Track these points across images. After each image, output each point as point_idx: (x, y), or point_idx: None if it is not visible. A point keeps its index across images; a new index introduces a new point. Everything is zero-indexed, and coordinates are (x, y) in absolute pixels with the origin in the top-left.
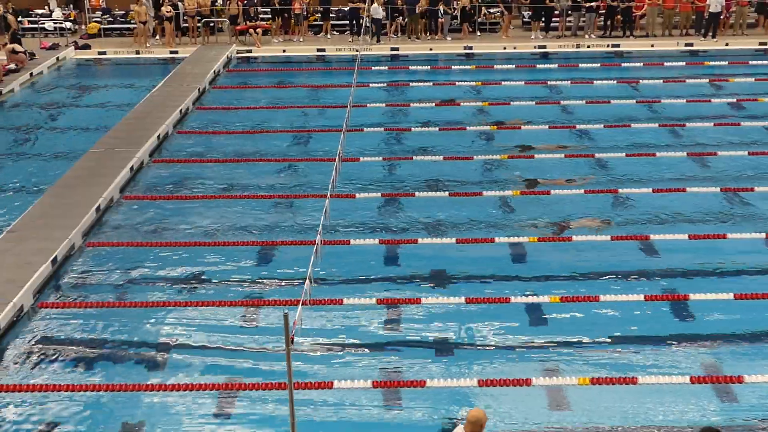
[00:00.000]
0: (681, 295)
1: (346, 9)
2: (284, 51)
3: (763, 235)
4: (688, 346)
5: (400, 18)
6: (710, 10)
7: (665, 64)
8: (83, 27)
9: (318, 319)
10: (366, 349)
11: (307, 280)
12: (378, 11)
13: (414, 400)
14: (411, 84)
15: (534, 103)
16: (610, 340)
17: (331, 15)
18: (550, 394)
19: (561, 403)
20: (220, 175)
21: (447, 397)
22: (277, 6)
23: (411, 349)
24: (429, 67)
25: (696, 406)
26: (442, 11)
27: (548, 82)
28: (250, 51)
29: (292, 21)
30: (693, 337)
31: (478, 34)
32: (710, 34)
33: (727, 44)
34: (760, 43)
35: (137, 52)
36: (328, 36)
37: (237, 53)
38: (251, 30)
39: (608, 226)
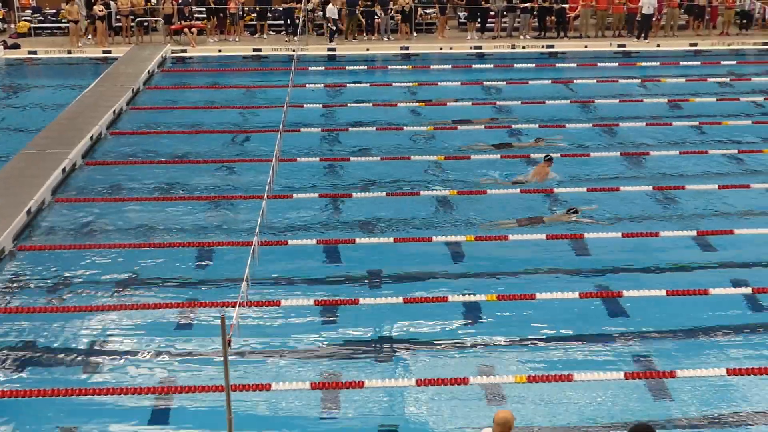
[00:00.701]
0: (614, 292)
1: (281, 8)
2: (220, 51)
3: (695, 232)
4: (622, 342)
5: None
6: (643, 12)
7: (598, 64)
8: (12, 26)
9: (255, 321)
10: (304, 351)
11: (245, 282)
12: (334, 11)
13: (352, 400)
14: (348, 84)
15: (470, 103)
16: (546, 338)
17: (267, 15)
18: (487, 392)
19: (498, 401)
20: (155, 177)
21: (385, 397)
22: (213, 5)
23: (349, 349)
24: (366, 67)
25: (630, 401)
26: (380, 12)
27: (484, 83)
28: (185, 51)
29: (228, 20)
30: (627, 333)
31: (415, 34)
32: (642, 35)
33: (658, 45)
34: (690, 44)
35: (69, 52)
36: (265, 36)
37: (172, 53)
38: (186, 29)
39: (582, 220)
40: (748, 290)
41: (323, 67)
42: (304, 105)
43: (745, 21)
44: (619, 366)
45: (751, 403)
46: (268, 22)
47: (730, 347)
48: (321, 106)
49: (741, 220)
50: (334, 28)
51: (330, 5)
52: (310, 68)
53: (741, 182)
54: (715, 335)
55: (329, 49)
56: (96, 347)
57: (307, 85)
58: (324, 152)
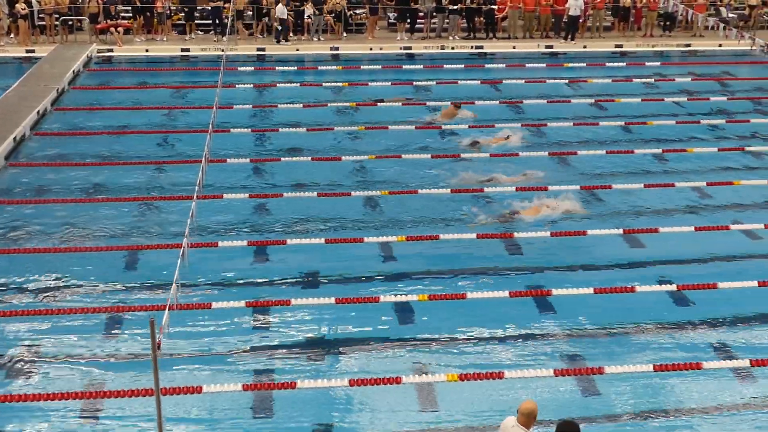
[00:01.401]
0: (544, 291)
1: (209, 8)
2: (147, 51)
3: (621, 230)
4: (551, 340)
5: (267, 18)
6: (569, 14)
7: (527, 65)
8: None
9: (186, 324)
10: (235, 353)
11: (174, 284)
12: (283, 11)
13: (285, 402)
14: (278, 85)
15: (401, 103)
16: (477, 337)
17: (195, 14)
18: (420, 392)
19: (431, 400)
20: (81, 178)
21: (318, 398)
22: (139, 4)
23: (281, 351)
24: (296, 67)
25: (560, 398)
26: (312, 12)
27: (414, 83)
28: (111, 50)
29: (155, 20)
30: (556, 331)
31: (344, 35)
32: (570, 36)
33: (585, 46)
34: (616, 46)
35: None
36: (193, 36)
37: (97, 53)
38: (112, 29)
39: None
40: (673, 287)
41: (252, 68)
42: (234, 105)
43: (668, 23)
44: (548, 363)
45: (677, 398)
46: (196, 21)
47: (656, 343)
48: (251, 106)
49: (666, 218)
50: (279, 27)
51: (279, 5)
52: (239, 68)
53: (666, 181)
54: (642, 332)
55: (258, 50)
56: (21, 353)
57: (237, 86)
58: (254, 153)
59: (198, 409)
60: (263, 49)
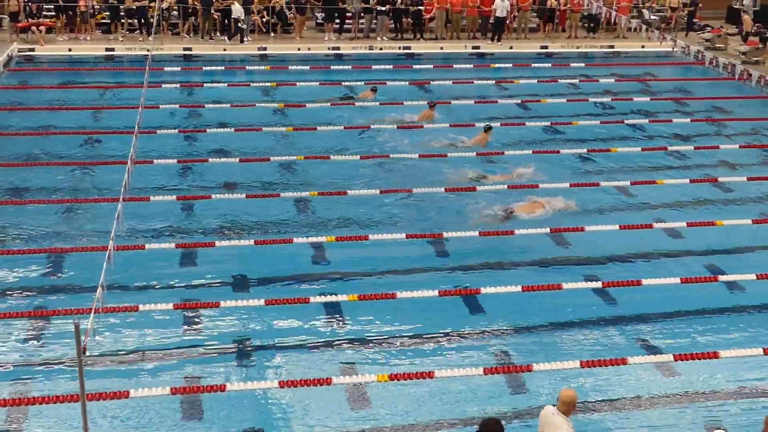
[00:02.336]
0: (473, 290)
1: (134, 7)
2: (70, 50)
3: (548, 229)
4: (480, 338)
5: (193, 18)
6: (496, 15)
7: (454, 66)
8: None
9: (112, 328)
10: (164, 356)
11: (100, 288)
12: (240, 11)
13: (215, 405)
14: (205, 85)
15: (329, 104)
16: (407, 336)
17: (120, 13)
18: (350, 392)
19: (361, 400)
20: (4, 180)
21: (248, 400)
22: (61, 3)
23: (211, 353)
24: (223, 68)
25: (489, 396)
26: (242, 12)
27: (342, 84)
28: (32, 50)
29: (78, 19)
30: (485, 329)
31: (272, 35)
32: (496, 37)
33: (511, 47)
34: (542, 47)
35: None
36: (118, 35)
37: (19, 52)
38: (34, 28)
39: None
40: (598, 284)
41: (179, 68)
42: (160, 106)
43: (592, 24)
44: (478, 361)
45: (603, 394)
46: (122, 21)
47: (583, 340)
48: (177, 106)
49: (591, 217)
50: (244, 26)
51: (236, 5)
52: (165, 68)
53: (591, 180)
54: (569, 329)
55: (185, 49)
56: None
57: (163, 86)
58: (181, 154)
59: (125, 415)
60: (190, 49)
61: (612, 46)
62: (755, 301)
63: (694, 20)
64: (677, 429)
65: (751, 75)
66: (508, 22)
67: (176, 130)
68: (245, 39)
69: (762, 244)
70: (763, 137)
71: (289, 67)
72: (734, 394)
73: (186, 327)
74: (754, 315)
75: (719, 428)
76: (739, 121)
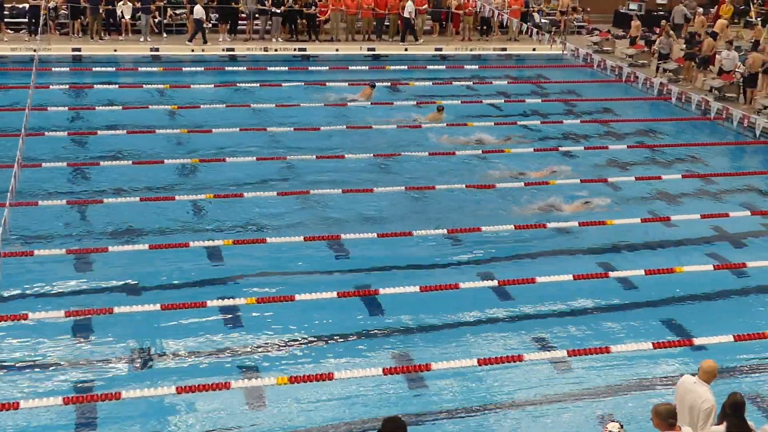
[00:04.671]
0: (371, 290)
1: (20, 6)
2: None
3: (445, 230)
4: (379, 338)
5: (82, 17)
6: (405, 16)
7: (350, 67)
8: None
9: (1, 337)
10: (55, 365)
11: None
12: (201, 12)
13: (110, 413)
14: (96, 86)
15: (224, 106)
16: (305, 338)
17: (5, 13)
18: (249, 396)
19: (260, 404)
20: None
21: (144, 407)
22: None
23: (105, 360)
24: (114, 69)
25: (389, 396)
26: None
27: (237, 85)
28: None
29: None
30: (384, 329)
31: (165, 36)
32: (409, 38)
33: (406, 49)
34: (436, 49)
35: None
36: (3, 36)
37: None
38: None
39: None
40: (494, 283)
41: (68, 68)
42: (48, 108)
43: (485, 27)
44: (377, 362)
45: (500, 391)
46: (6, 20)
47: (480, 338)
48: (67, 108)
49: (487, 217)
50: (205, 26)
51: (198, 6)
52: (53, 69)
53: (487, 182)
54: (467, 327)
55: (74, 50)
56: None
57: (51, 87)
58: (71, 156)
59: (15, 427)
60: (79, 50)
61: (504, 49)
62: (644, 297)
63: (583, 24)
64: (573, 424)
65: (637, 77)
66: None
67: (66, 133)
68: (196, 39)
69: (650, 242)
70: (650, 138)
71: (183, 69)
72: (626, 387)
73: (79, 334)
74: (644, 310)
75: (614, 421)
76: (626, 122)
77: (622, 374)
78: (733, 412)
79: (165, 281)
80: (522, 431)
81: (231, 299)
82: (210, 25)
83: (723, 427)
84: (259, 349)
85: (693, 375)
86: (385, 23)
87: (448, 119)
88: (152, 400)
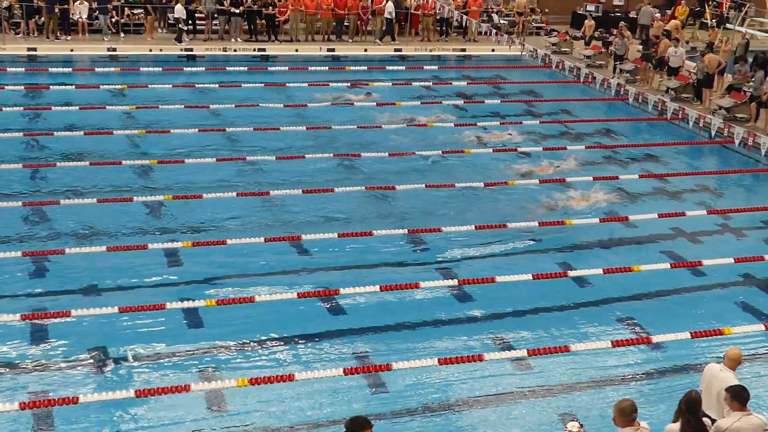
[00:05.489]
0: (331, 291)
1: None
2: None
3: (406, 230)
4: (340, 339)
5: (37, 16)
6: (386, 16)
7: (309, 68)
8: None
9: None
10: (11, 370)
11: None
12: (182, 11)
13: (67, 418)
14: (52, 87)
15: (182, 106)
16: (267, 339)
17: None
18: (209, 398)
19: (221, 406)
20: None
21: (103, 411)
22: None
23: (62, 365)
24: (71, 69)
25: (351, 396)
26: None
27: (196, 86)
28: None
29: None
30: (345, 330)
31: (122, 35)
32: (387, 38)
33: (365, 50)
34: (396, 50)
35: None
36: None
37: None
38: None
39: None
40: (454, 282)
41: (23, 69)
42: (3, 108)
43: (444, 28)
44: (338, 363)
45: (461, 390)
46: None
47: (440, 338)
48: (22, 108)
49: (447, 218)
50: (186, 28)
51: (178, 5)
52: (8, 69)
53: (446, 182)
54: (427, 327)
55: (29, 49)
56: None
57: (6, 87)
58: (27, 158)
59: None
60: (35, 49)
61: (464, 50)
62: (602, 295)
63: (541, 25)
64: (534, 423)
65: (595, 78)
66: (359, 24)
67: (21, 134)
68: (179, 40)
69: (607, 240)
70: (607, 138)
71: (141, 69)
72: (586, 385)
73: (35, 338)
74: (603, 308)
75: (573, 421)
76: (584, 123)
77: (582, 372)
78: (687, 409)
79: (123, 283)
80: (482, 430)
81: (190, 301)
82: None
83: (678, 424)
84: (220, 351)
85: (718, 363)
86: (345, 23)
87: (407, 119)
88: (111, 404)
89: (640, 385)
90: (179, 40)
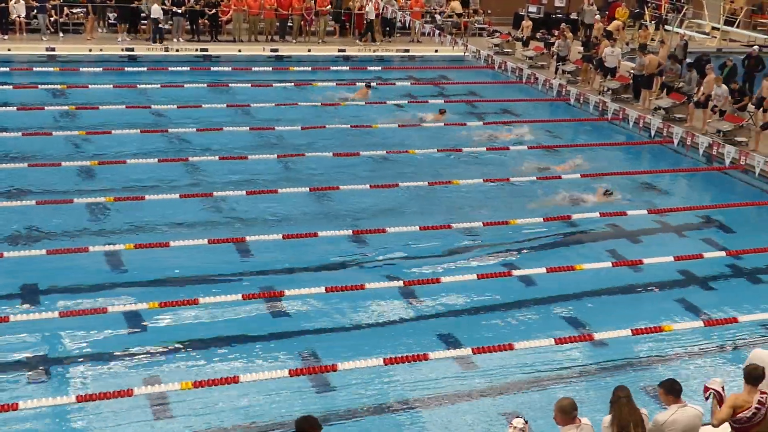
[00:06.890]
0: (276, 292)
1: None
2: None
3: (350, 231)
4: (285, 340)
5: None
6: (368, 17)
7: (253, 68)
8: None
9: None
10: None
11: None
12: (158, 11)
13: (7, 424)
14: None
15: (124, 107)
16: (210, 341)
17: None
18: (153, 402)
19: (165, 410)
20: None
21: (43, 418)
22: None
23: (1, 370)
24: (8, 69)
25: (296, 397)
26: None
27: (138, 86)
28: None
29: None
30: (290, 331)
31: (61, 35)
32: (369, 38)
33: (309, 50)
34: (339, 50)
35: None
36: None
37: None
38: None
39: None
40: (399, 283)
41: None
42: None
43: (388, 29)
44: (283, 364)
45: (405, 389)
46: None
47: (385, 338)
48: None
49: (392, 218)
50: (166, 27)
51: (155, 5)
52: None
53: (390, 181)
54: (372, 327)
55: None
56: None
57: None
58: None
59: None
60: None
61: (407, 50)
62: (546, 294)
63: (484, 26)
64: (479, 421)
65: (537, 78)
66: (304, 25)
67: None
68: (160, 39)
69: (551, 240)
70: (549, 138)
71: (81, 69)
72: (529, 383)
73: None
74: (546, 307)
75: (518, 417)
76: (527, 123)
77: (526, 370)
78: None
79: (64, 287)
80: (428, 429)
81: (133, 304)
82: (167, 26)
83: (610, 417)
84: (163, 354)
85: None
86: (288, 24)
87: (352, 121)
88: (52, 410)
89: (583, 382)
90: (155, 40)
